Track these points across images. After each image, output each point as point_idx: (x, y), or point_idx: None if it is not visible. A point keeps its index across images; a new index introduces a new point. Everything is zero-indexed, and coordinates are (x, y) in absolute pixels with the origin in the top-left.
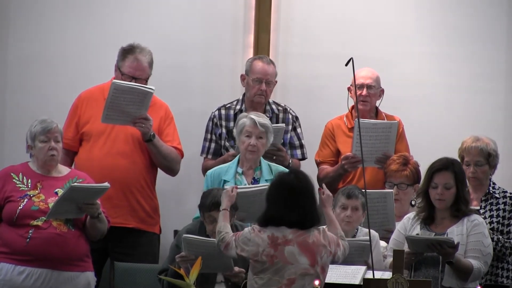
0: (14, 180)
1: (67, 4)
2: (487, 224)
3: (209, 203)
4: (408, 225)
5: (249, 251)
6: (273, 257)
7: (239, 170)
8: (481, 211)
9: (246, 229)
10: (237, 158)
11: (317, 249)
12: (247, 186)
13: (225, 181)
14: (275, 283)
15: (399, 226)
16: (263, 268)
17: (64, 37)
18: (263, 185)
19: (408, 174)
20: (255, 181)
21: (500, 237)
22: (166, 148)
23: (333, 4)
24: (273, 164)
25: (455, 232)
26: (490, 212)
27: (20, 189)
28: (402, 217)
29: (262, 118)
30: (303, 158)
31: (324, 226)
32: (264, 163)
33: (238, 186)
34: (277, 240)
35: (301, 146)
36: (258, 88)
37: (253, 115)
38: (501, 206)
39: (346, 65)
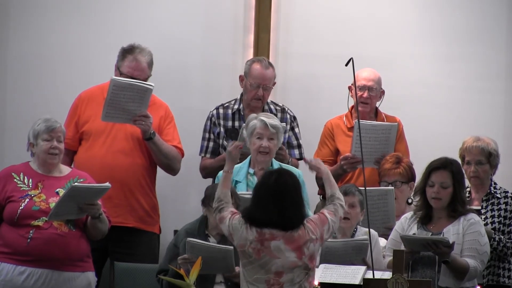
0: (15, 180)
1: (68, 4)
2: (488, 224)
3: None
4: (405, 224)
5: (237, 240)
6: (260, 251)
7: (251, 170)
8: (482, 211)
9: (239, 218)
10: (248, 158)
11: (303, 242)
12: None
13: (236, 182)
14: (263, 277)
15: (396, 226)
16: (250, 261)
17: (64, 37)
18: None
19: (402, 171)
20: None
21: (502, 237)
22: (166, 147)
23: (333, 4)
24: (284, 165)
25: (451, 231)
26: (491, 212)
27: (21, 189)
28: (399, 215)
29: (272, 120)
30: (301, 158)
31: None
32: (276, 163)
33: (241, 192)
34: (264, 235)
35: (299, 146)
36: (255, 93)
37: (264, 117)
38: (502, 206)
39: (346, 65)
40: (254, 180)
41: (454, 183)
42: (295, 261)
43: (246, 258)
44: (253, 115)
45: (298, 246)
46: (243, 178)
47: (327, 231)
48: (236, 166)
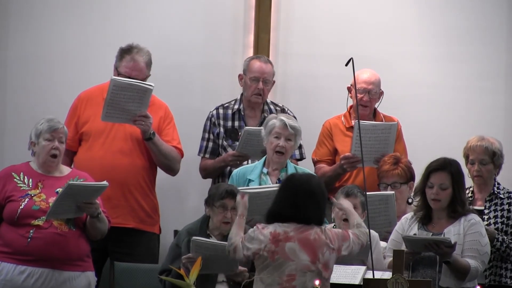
0: (15, 179)
1: (67, 4)
2: (491, 224)
3: (223, 190)
4: (405, 225)
5: (252, 248)
6: (274, 253)
7: (265, 170)
8: (486, 211)
9: (251, 229)
10: (263, 158)
11: (318, 246)
12: (258, 187)
13: (250, 180)
14: (276, 281)
15: (397, 226)
16: (264, 264)
17: (64, 37)
18: (274, 186)
19: (400, 172)
20: (280, 181)
21: (505, 237)
22: (166, 147)
23: (333, 4)
24: (299, 167)
25: (452, 231)
26: (494, 212)
27: (21, 188)
28: (400, 215)
29: (292, 121)
30: (301, 158)
31: (329, 225)
32: (290, 165)
33: (245, 189)
34: (279, 236)
35: (300, 146)
36: (255, 87)
37: (283, 117)
38: (506, 207)
39: (346, 65)
40: (267, 179)
41: (453, 184)
42: (308, 264)
43: (261, 262)
44: (273, 115)
45: (313, 249)
46: (256, 177)
47: (346, 247)
48: (250, 165)
